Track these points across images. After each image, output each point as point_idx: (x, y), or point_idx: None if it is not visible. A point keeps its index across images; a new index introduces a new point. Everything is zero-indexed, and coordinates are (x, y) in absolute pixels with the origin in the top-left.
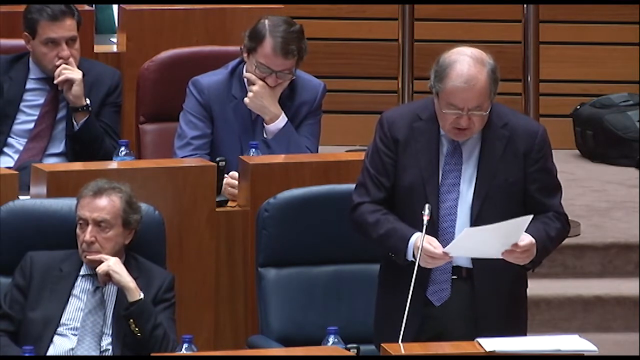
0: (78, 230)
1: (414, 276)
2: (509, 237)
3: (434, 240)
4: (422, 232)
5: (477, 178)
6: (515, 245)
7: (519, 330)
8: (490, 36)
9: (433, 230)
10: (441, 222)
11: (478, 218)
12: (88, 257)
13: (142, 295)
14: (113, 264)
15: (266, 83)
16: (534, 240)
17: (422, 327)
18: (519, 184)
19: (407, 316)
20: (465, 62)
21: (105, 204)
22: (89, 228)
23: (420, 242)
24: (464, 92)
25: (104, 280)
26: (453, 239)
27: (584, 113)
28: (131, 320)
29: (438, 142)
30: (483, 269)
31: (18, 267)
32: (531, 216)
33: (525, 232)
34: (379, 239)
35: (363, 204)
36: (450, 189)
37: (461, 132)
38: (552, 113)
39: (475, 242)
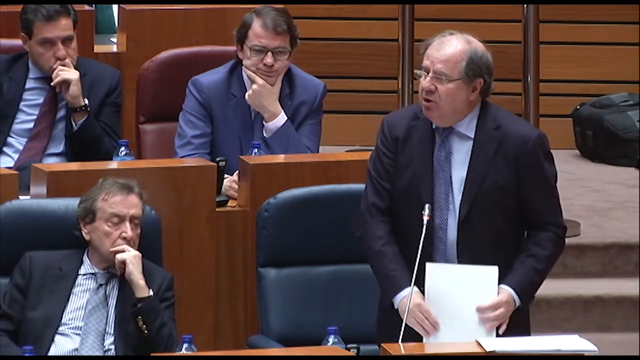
0: (108, 228)
1: (414, 276)
2: (480, 291)
3: (427, 311)
4: (419, 243)
5: (466, 179)
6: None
7: (521, 329)
8: (490, 36)
9: (427, 226)
10: (435, 218)
11: (466, 221)
12: (111, 248)
13: (151, 293)
14: (133, 257)
15: (264, 70)
16: (504, 299)
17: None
18: (509, 188)
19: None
20: (449, 34)
21: (137, 201)
22: (128, 224)
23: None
24: (433, 50)
25: (120, 267)
26: (445, 236)
27: (584, 113)
28: (139, 318)
29: (431, 138)
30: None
31: (17, 267)
32: (496, 269)
33: (511, 276)
34: (374, 272)
35: (368, 218)
36: (442, 186)
37: (427, 107)
38: (552, 113)
39: (450, 301)
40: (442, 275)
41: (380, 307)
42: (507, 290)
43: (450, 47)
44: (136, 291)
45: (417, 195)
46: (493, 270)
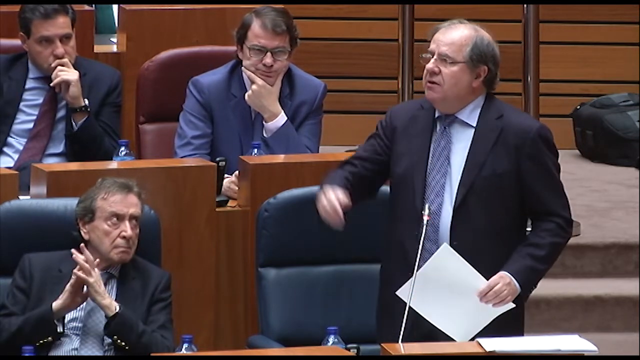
0: (107, 227)
1: (414, 274)
2: (469, 286)
3: (341, 194)
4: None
5: (464, 166)
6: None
7: (515, 329)
8: (491, 36)
9: (417, 212)
10: (429, 204)
11: (461, 206)
12: (115, 252)
13: (117, 309)
14: (94, 282)
15: (263, 71)
16: (498, 276)
17: (414, 325)
18: (508, 177)
19: (405, 312)
20: (458, 22)
21: (136, 200)
22: (127, 224)
23: (422, 232)
24: (439, 34)
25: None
26: (439, 222)
27: (584, 113)
28: (114, 337)
29: (432, 127)
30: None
31: (17, 270)
32: (484, 280)
33: (507, 263)
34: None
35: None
36: (438, 173)
37: (430, 87)
38: (552, 113)
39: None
40: (447, 260)
41: (378, 303)
42: (501, 272)
43: (457, 32)
44: (105, 311)
45: (411, 180)
46: (481, 280)
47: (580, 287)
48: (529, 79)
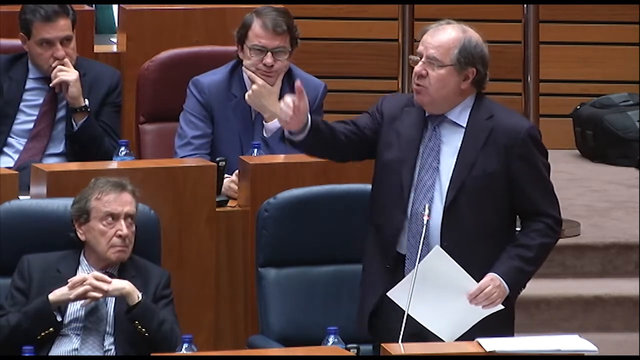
0: (103, 227)
1: (415, 269)
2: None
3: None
4: (421, 232)
5: (455, 166)
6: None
7: (506, 330)
8: (490, 36)
9: (405, 210)
10: (415, 204)
11: (452, 206)
12: (112, 252)
13: (140, 297)
14: (111, 287)
15: (264, 71)
16: (488, 278)
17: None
18: (498, 177)
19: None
20: (446, 23)
21: (130, 198)
22: (122, 222)
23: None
24: (428, 36)
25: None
26: (429, 223)
27: (584, 113)
28: (136, 322)
29: (422, 126)
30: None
31: (16, 271)
32: (474, 283)
33: (496, 264)
34: None
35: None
36: (428, 172)
37: (417, 91)
38: (552, 113)
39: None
40: (439, 262)
41: (361, 280)
42: (491, 274)
43: (445, 34)
44: (128, 299)
45: (398, 176)
46: (472, 282)
47: (580, 287)
48: (529, 79)
